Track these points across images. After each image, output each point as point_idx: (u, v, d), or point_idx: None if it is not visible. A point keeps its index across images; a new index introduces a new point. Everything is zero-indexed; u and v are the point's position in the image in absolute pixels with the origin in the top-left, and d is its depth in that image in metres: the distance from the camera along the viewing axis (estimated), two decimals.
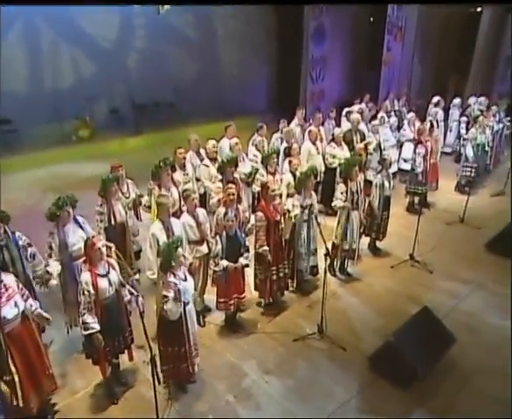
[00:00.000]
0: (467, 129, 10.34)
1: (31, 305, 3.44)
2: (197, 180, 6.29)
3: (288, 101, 15.40)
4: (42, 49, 10.92)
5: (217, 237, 4.44)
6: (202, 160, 6.30)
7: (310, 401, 4.03)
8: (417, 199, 7.82)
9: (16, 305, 3.23)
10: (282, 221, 5.03)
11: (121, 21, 12.29)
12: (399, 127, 9.97)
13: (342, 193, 5.53)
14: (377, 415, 3.89)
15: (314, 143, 7.21)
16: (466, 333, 4.78)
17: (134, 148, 11.59)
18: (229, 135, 7.15)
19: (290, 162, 6.09)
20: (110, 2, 11.95)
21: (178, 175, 5.84)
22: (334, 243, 5.75)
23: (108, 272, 3.65)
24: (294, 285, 5.58)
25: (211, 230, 4.98)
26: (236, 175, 5.57)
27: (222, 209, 4.67)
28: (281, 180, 6.05)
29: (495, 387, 4.16)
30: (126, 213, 5.04)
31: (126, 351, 3.96)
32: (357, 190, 5.63)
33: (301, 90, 14.90)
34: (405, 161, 8.88)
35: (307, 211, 5.21)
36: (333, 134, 7.54)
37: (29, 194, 8.28)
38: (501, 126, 9.50)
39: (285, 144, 7.47)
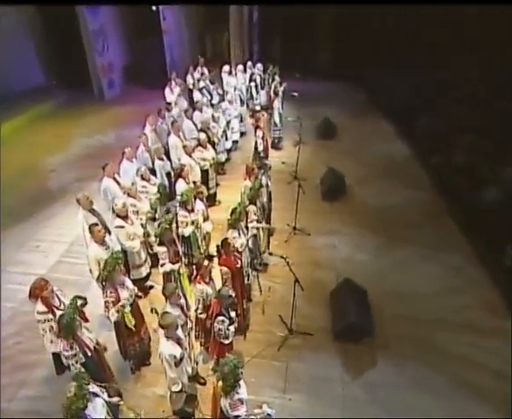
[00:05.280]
0: (257, 92, 11.04)
1: None
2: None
3: (77, 75, 12.39)
4: None
5: (218, 320, 3.72)
6: (105, 223, 4.76)
7: (324, 395, 4.17)
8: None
9: None
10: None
11: None
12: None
13: (254, 213, 5.35)
14: (362, 376, 4.39)
15: (190, 156, 6.33)
16: (358, 277, 5.38)
17: None
18: (109, 174, 5.51)
19: (201, 193, 5.31)
20: (110, 2, 9.97)
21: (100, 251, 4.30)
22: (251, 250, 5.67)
23: None
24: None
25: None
26: (174, 235, 4.54)
27: (204, 287, 3.86)
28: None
29: (396, 305, 5.12)
30: (91, 332, 3.54)
31: None
32: (262, 206, 5.60)
33: (89, 63, 12.19)
34: (235, 132, 9.12)
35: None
36: (199, 139, 6.75)
37: None
38: (283, 87, 10.30)
39: (158, 161, 6.32)
